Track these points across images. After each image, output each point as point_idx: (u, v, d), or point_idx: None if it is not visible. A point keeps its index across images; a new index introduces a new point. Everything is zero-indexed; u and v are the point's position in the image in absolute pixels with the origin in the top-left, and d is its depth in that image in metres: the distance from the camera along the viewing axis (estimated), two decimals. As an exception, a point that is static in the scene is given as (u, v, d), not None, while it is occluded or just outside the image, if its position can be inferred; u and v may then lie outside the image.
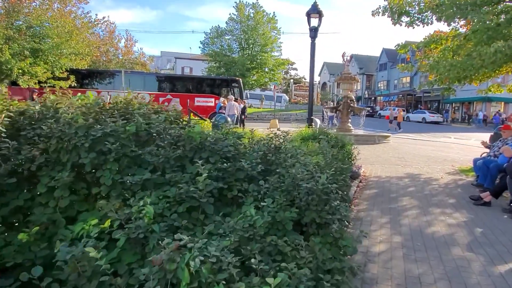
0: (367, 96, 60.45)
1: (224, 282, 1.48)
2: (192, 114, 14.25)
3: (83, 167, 2.20)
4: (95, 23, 18.73)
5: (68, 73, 16.77)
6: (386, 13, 8.67)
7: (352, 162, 6.47)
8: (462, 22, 8.25)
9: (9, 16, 14.83)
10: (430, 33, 9.15)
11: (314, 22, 8.86)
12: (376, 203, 5.59)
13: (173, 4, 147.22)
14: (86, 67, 19.78)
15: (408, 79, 48.17)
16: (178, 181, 2.15)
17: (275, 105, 33.08)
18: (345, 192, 2.96)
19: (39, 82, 15.38)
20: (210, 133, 2.56)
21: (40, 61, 15.60)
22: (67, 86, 16.66)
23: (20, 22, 15.46)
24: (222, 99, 19.00)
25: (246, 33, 35.43)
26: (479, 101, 36.70)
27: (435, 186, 6.88)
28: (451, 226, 4.56)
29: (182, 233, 1.88)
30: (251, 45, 35.78)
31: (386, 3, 8.66)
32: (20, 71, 14.60)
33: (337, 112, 16.78)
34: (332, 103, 34.39)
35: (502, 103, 36.30)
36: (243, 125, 18.04)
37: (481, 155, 7.58)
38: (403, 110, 41.66)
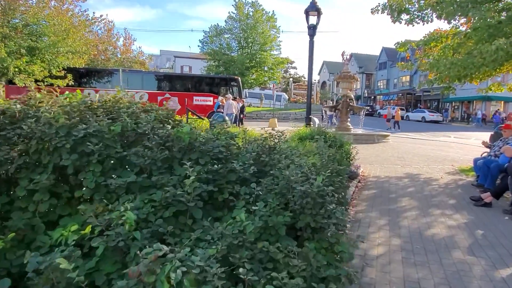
0: (366, 95, 60.34)
1: (209, 294, 1.38)
2: (190, 113, 14.16)
3: (65, 169, 2.09)
4: (92, 21, 18.56)
5: (65, 71, 16.61)
6: (386, 11, 8.56)
7: (351, 162, 6.36)
8: (462, 20, 8.13)
9: (5, 14, 14.68)
10: (430, 31, 9.04)
11: (313, 20, 8.74)
12: (374, 204, 5.48)
13: (172, 2, 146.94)
14: (83, 65, 19.63)
15: (408, 78, 48.07)
16: (164, 184, 2.04)
17: (274, 104, 32.96)
18: (342, 194, 2.85)
19: (36, 80, 15.23)
20: (201, 133, 2.44)
21: (36, 60, 15.45)
22: (65, 84, 16.54)
23: (17, 20, 15.31)
24: (220, 98, 18.89)
25: (245, 32, 35.30)
26: (479, 100, 36.62)
27: (435, 187, 6.78)
28: (451, 228, 4.45)
29: (168, 239, 1.77)
30: (250, 44, 35.65)
31: (385, 0, 8.54)
32: (17, 69, 14.45)
33: (336, 111, 16.66)
34: (331, 102, 34.26)
35: (502, 102, 36.22)
36: (242, 124, 17.93)
37: (481, 155, 7.48)
38: (402, 109, 41.67)
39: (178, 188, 2.02)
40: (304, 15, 8.70)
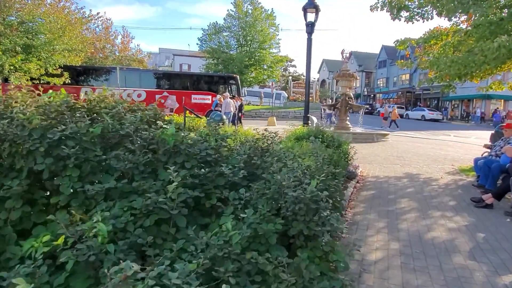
0: (366, 93, 60.16)
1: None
2: (188, 111, 14.01)
3: (41, 173, 1.96)
4: (89, 18, 18.37)
5: (61, 69, 16.44)
6: (385, 8, 8.41)
7: (349, 162, 6.23)
8: (463, 18, 7.98)
9: (0, 11, 14.49)
10: (430, 29, 8.90)
11: (311, 17, 8.59)
12: (373, 205, 5.35)
13: (172, 0, 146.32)
14: (80, 63, 19.44)
15: (408, 76, 47.89)
16: (146, 189, 1.90)
17: (273, 103, 32.80)
18: (338, 199, 2.71)
19: (32, 79, 15.05)
20: (188, 135, 2.30)
21: (32, 58, 15.27)
22: (61, 83, 16.37)
23: (13, 18, 15.12)
24: (218, 96, 18.73)
25: (244, 30, 35.07)
26: (478, 99, 36.47)
27: (435, 187, 6.65)
28: (451, 230, 4.33)
29: (147, 251, 1.63)
30: (249, 42, 35.43)
31: (385, -3, 8.39)
32: (12, 67, 14.28)
33: (335, 110, 16.53)
34: (330, 100, 34.10)
35: (502, 100, 36.08)
36: (240, 123, 17.78)
37: (482, 155, 7.35)
38: (402, 108, 41.50)
39: (161, 195, 1.89)
40: (300, 9, 8.54)
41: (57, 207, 1.97)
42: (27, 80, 15.05)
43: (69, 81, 17.32)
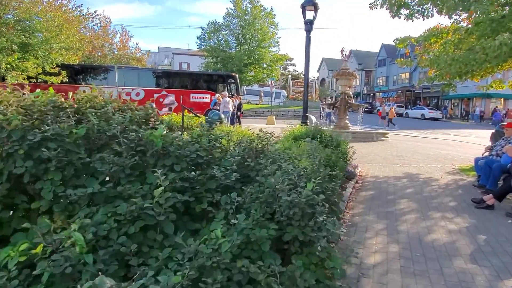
0: (365, 92, 60.05)
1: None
2: (186, 110, 13.90)
3: (22, 177, 1.86)
4: (86, 16, 18.23)
5: (59, 68, 16.31)
6: (385, 6, 8.30)
7: (348, 162, 6.14)
8: (464, 15, 7.87)
9: (-3, 10, 14.35)
10: (430, 27, 8.79)
11: (309, 15, 8.48)
12: (372, 206, 5.26)
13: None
14: (78, 62, 19.31)
15: (407, 75, 47.79)
16: (132, 194, 1.80)
17: (273, 102, 32.67)
18: (335, 201, 2.61)
19: (29, 77, 14.93)
20: (177, 136, 2.20)
21: (29, 56, 15.14)
22: (59, 81, 16.26)
23: (10, 16, 14.98)
24: (217, 95, 18.62)
25: (243, 28, 34.93)
26: (478, 97, 36.37)
27: (435, 187, 6.56)
28: (452, 232, 4.23)
29: (131, 260, 1.53)
30: (249, 40, 35.29)
31: (384, -5, 8.27)
32: (9, 66, 14.15)
33: (335, 108, 16.43)
34: (330, 99, 33.98)
35: (502, 99, 35.97)
36: (239, 122, 17.68)
37: (482, 154, 7.26)
38: (401, 106, 41.41)
39: (148, 199, 1.79)
40: (299, 8, 8.43)
41: (39, 212, 1.87)
42: (24, 79, 14.94)
43: (67, 80, 17.22)
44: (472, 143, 14.70)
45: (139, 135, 2.07)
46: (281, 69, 55.17)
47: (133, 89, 21.14)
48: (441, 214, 4.93)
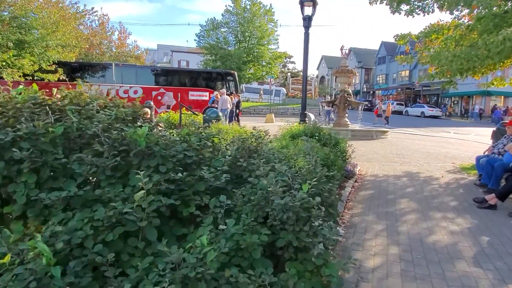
0: (365, 90, 59.86)
1: None
2: (184, 108, 13.74)
3: (-5, 179, 1.72)
4: (83, 13, 18.03)
5: (56, 66, 16.13)
6: (385, 1, 8.14)
7: (347, 161, 6.01)
8: (465, 11, 7.71)
9: (-8, 6, 14.16)
10: (430, 23, 8.64)
11: (308, 11, 8.33)
12: (371, 206, 5.13)
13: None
14: (75, 59, 19.13)
15: (407, 72, 47.62)
16: (112, 198, 1.67)
17: (273, 99, 32.54)
18: (332, 202, 2.48)
19: (25, 75, 14.75)
20: (165, 135, 2.06)
21: (25, 53, 14.96)
22: (56, 79, 16.10)
23: (6, 13, 14.79)
24: (216, 93, 18.46)
25: (242, 26, 34.71)
26: (478, 95, 36.22)
27: (435, 186, 6.43)
28: (454, 234, 4.11)
29: (107, 270, 1.40)
30: (248, 38, 35.08)
31: (384, -10, 8.12)
32: (4, 63, 13.97)
33: (334, 106, 16.29)
34: (329, 97, 33.82)
35: (502, 97, 35.82)
36: (238, 120, 17.53)
37: (484, 153, 7.12)
38: (401, 104, 41.24)
39: (130, 203, 1.65)
40: (299, 5, 8.27)
41: (10, 217, 1.74)
42: (20, 77, 14.77)
43: (64, 78, 17.04)
44: (472, 141, 14.57)
45: (122, 133, 1.93)
46: (281, 66, 55.02)
47: (131, 87, 20.98)
48: (442, 214, 4.80)
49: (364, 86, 59.89)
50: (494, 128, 10.05)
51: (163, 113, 14.27)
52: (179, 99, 16.79)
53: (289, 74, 59.43)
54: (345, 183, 5.98)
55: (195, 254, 1.48)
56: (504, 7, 5.86)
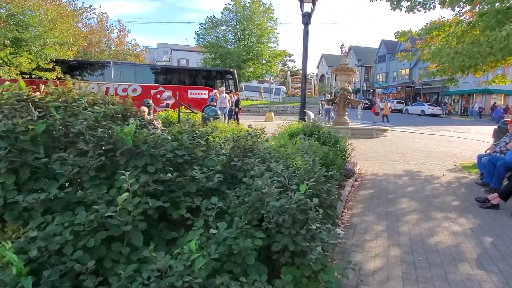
0: (365, 88, 59.71)
1: None
2: (183, 107, 13.63)
3: (-29, 180, 1.61)
4: (81, 11, 17.88)
5: (54, 64, 16.00)
6: (385, -3, 8.02)
7: (347, 160, 5.90)
8: (467, 8, 7.58)
9: (-12, 4, 14.02)
10: (431, 20, 8.51)
11: (307, 7, 8.20)
12: (371, 206, 5.03)
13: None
14: (73, 57, 18.99)
15: (407, 71, 47.47)
16: (95, 200, 1.56)
17: (273, 98, 32.38)
18: (331, 203, 2.38)
19: (22, 73, 14.62)
20: (153, 133, 1.95)
21: (23, 51, 14.83)
22: (54, 77, 15.98)
23: (3, 10, 14.65)
24: (215, 91, 18.34)
25: (242, 24, 34.56)
26: (479, 94, 36.08)
27: (437, 185, 6.33)
28: (456, 234, 4.00)
29: (87, 280, 1.29)
30: (247, 36, 34.94)
31: (385, -14, 7.99)
32: (1, 61, 13.85)
33: (334, 104, 16.17)
34: (329, 95, 33.67)
35: (502, 95, 35.69)
36: (237, 118, 17.41)
37: (485, 151, 7.02)
38: (401, 102, 41.09)
39: (114, 206, 1.54)
40: (298, 2, 8.15)
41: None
42: (17, 75, 14.64)
43: (62, 76, 16.91)
44: (472, 139, 14.48)
45: (109, 132, 1.83)
46: (280, 65, 54.86)
47: (130, 85, 20.86)
48: (444, 214, 4.70)
49: (364, 84, 59.74)
50: (496, 127, 9.96)
51: (162, 111, 14.17)
52: (177, 97, 16.65)
53: (289, 72, 59.30)
54: (344, 182, 5.88)
55: (182, 261, 1.38)
56: (507, 3, 5.74)
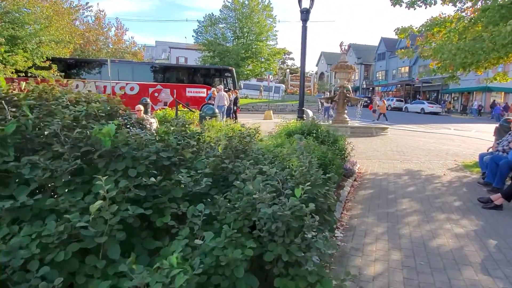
0: (365, 86, 59.52)
1: None
2: (181, 105, 13.47)
3: None
4: (77, 8, 17.67)
5: (50, 62, 15.81)
6: (385, -7, 7.86)
7: (346, 159, 5.76)
8: (469, 3, 7.43)
9: (-16, 1, 13.83)
10: (432, 16, 8.36)
11: (306, 3, 8.05)
12: (371, 206, 4.90)
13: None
14: (69, 55, 18.80)
15: (407, 69, 47.29)
16: (68, 208, 1.42)
17: (272, 96, 32.24)
18: (328, 208, 2.23)
19: (17, 71, 14.44)
20: (135, 134, 1.80)
21: (18, 49, 14.64)
22: (50, 75, 15.77)
23: (-1, 8, 14.45)
24: (213, 89, 18.17)
25: (240, 21, 34.34)
26: (478, 91, 35.93)
27: (438, 185, 6.19)
28: (459, 237, 3.87)
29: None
30: (246, 34, 34.73)
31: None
32: (-4, 59, 13.67)
33: (333, 103, 16.03)
34: (328, 93, 33.49)
35: (502, 93, 35.53)
36: (236, 116, 17.25)
37: (487, 150, 6.89)
38: (401, 100, 40.92)
39: (89, 215, 1.40)
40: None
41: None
42: (12, 73, 14.46)
43: (58, 74, 16.72)
44: (473, 137, 14.35)
45: (87, 132, 1.68)
46: (280, 63, 54.66)
47: (127, 84, 20.67)
48: (446, 216, 4.56)
49: (364, 82, 59.55)
50: (497, 125, 9.82)
51: (160, 110, 14.01)
52: (175, 96, 16.49)
53: (288, 70, 59.08)
54: (344, 182, 5.75)
55: (161, 278, 1.24)
56: (510, -3, 5.60)
